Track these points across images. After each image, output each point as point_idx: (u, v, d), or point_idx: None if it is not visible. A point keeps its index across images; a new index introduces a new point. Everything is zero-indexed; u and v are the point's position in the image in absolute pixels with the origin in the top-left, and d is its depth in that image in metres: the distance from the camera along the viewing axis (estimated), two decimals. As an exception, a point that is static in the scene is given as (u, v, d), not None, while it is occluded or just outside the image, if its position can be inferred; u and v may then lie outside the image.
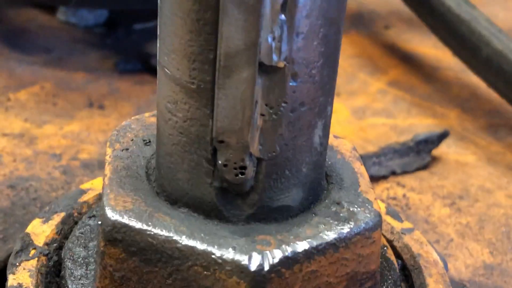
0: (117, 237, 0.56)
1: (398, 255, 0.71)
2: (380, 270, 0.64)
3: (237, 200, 0.56)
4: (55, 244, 0.67)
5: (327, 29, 0.53)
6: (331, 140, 0.67)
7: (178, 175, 0.57)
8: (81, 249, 0.65)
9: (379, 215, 0.59)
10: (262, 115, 0.53)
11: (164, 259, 0.55)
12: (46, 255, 0.65)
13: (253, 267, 0.53)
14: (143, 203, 0.57)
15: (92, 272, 0.62)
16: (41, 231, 0.68)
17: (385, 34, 1.45)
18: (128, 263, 0.56)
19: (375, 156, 1.00)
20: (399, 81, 1.28)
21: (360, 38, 1.43)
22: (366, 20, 1.50)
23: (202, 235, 0.55)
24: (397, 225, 0.73)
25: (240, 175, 0.55)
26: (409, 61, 1.36)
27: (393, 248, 0.71)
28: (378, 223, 0.58)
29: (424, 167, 1.03)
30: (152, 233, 0.55)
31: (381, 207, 0.75)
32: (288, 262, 0.54)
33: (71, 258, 0.64)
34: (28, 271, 0.63)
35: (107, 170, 0.61)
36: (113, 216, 0.56)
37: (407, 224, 0.74)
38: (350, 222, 0.57)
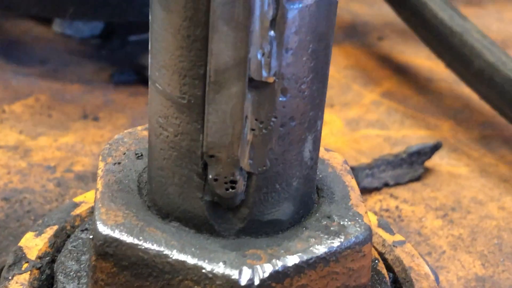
0: (108, 252, 0.56)
1: (389, 268, 0.71)
2: (371, 284, 0.64)
3: (228, 214, 0.57)
4: (47, 258, 0.67)
5: (316, 44, 0.54)
6: (322, 153, 0.67)
7: (169, 189, 0.58)
8: (73, 263, 0.65)
9: (370, 229, 0.59)
10: (252, 129, 0.54)
11: (155, 274, 0.55)
12: (39, 268, 0.66)
13: (243, 281, 0.53)
14: (134, 217, 0.58)
15: (84, 286, 0.62)
16: (33, 244, 0.68)
17: (378, 46, 1.45)
18: (119, 277, 0.56)
19: (368, 168, 1.00)
20: (393, 92, 1.28)
21: (354, 49, 1.43)
22: (360, 32, 1.51)
23: (193, 249, 0.55)
24: (388, 238, 0.73)
25: (230, 189, 0.55)
26: (402, 72, 1.36)
27: (385, 261, 0.72)
28: (368, 237, 0.59)
29: (417, 178, 1.03)
30: (143, 247, 0.55)
31: (373, 219, 0.75)
32: (278, 276, 0.54)
33: (63, 271, 0.64)
34: (21, 285, 0.64)
35: (99, 184, 0.61)
36: (104, 231, 0.56)
37: (398, 237, 0.74)
38: (341, 236, 0.58)
